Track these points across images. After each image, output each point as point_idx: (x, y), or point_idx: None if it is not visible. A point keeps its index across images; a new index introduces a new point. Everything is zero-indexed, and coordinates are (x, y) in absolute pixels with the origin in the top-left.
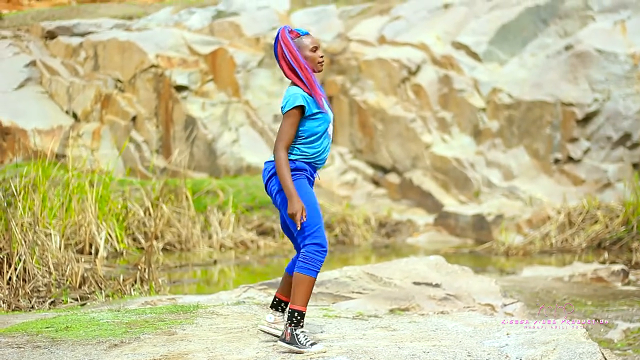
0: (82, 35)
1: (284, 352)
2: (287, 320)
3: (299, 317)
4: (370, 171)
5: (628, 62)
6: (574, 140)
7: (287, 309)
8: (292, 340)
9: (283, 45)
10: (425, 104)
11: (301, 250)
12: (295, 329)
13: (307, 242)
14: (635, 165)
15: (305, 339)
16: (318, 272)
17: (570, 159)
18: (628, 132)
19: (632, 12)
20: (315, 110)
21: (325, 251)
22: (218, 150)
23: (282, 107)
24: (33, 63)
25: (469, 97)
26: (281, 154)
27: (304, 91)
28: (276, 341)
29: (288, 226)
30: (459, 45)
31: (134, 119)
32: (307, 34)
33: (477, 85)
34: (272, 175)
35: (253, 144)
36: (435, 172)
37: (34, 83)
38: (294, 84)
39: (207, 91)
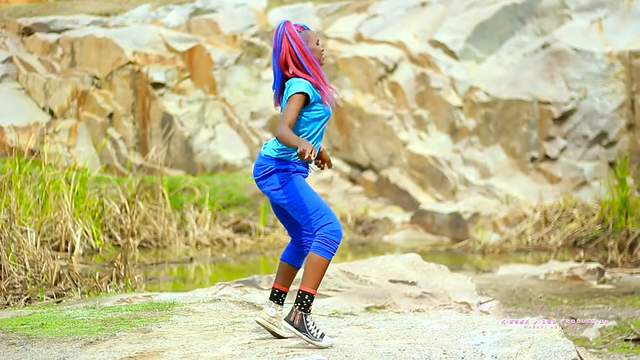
0: (59, 31)
1: (290, 336)
2: (297, 303)
3: (309, 300)
4: (347, 169)
5: (604, 61)
6: (550, 138)
7: (298, 290)
8: (302, 327)
9: (291, 40)
10: (402, 102)
11: (317, 233)
12: (305, 315)
13: (323, 223)
14: (611, 164)
15: (316, 329)
16: (333, 255)
17: (546, 157)
18: (604, 130)
19: (609, 10)
20: (317, 102)
21: (341, 233)
22: (195, 147)
23: (286, 94)
24: (10, 59)
25: (445, 95)
26: (283, 126)
27: (311, 82)
28: (268, 336)
29: (287, 215)
30: (436, 44)
31: (110, 115)
32: (308, 27)
33: (454, 83)
34: (269, 173)
35: (230, 141)
36: (411, 170)
37: (10, 79)
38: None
39: (184, 88)
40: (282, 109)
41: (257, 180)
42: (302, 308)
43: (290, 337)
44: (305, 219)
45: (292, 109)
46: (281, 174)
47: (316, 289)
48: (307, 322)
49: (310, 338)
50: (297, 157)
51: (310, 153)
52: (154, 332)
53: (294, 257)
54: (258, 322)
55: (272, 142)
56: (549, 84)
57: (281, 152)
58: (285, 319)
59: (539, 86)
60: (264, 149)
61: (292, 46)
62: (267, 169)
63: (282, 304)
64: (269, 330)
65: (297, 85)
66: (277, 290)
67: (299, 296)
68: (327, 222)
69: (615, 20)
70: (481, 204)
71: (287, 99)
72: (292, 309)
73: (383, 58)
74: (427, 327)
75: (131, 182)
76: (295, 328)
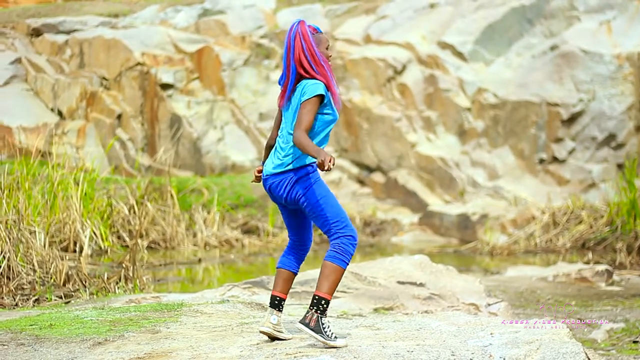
0: (68, 32)
1: (290, 337)
2: (313, 307)
3: (325, 305)
4: (355, 170)
5: (613, 63)
6: (559, 140)
7: (314, 295)
8: (318, 329)
9: (303, 40)
10: (410, 104)
11: (333, 242)
12: (321, 317)
13: (340, 234)
14: (619, 166)
15: (331, 330)
16: (349, 263)
17: (555, 159)
18: (613, 132)
19: (618, 12)
20: (329, 106)
21: (356, 242)
22: (203, 148)
23: (301, 96)
24: (18, 60)
25: (454, 96)
26: (301, 132)
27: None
28: (270, 339)
29: (294, 217)
30: (444, 45)
31: (119, 116)
32: (320, 30)
33: (463, 84)
34: (291, 186)
35: (238, 142)
36: (420, 172)
37: (19, 80)
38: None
39: (192, 89)
40: (289, 107)
41: (279, 196)
42: (319, 311)
43: (290, 339)
44: (325, 226)
45: (309, 113)
46: (302, 180)
47: (332, 295)
48: (322, 323)
49: (325, 339)
50: (315, 164)
51: (330, 162)
52: (162, 332)
53: (292, 264)
54: (263, 332)
55: (280, 154)
56: (557, 85)
57: (294, 160)
58: (300, 322)
59: (548, 88)
60: (275, 166)
61: (303, 46)
62: (287, 182)
63: (281, 311)
64: (273, 337)
65: (315, 87)
66: (277, 298)
67: (315, 301)
68: (346, 234)
69: (624, 22)
70: (489, 206)
71: (301, 101)
72: (308, 312)
73: (391, 59)
74: (435, 328)
75: (140, 183)
76: (311, 329)
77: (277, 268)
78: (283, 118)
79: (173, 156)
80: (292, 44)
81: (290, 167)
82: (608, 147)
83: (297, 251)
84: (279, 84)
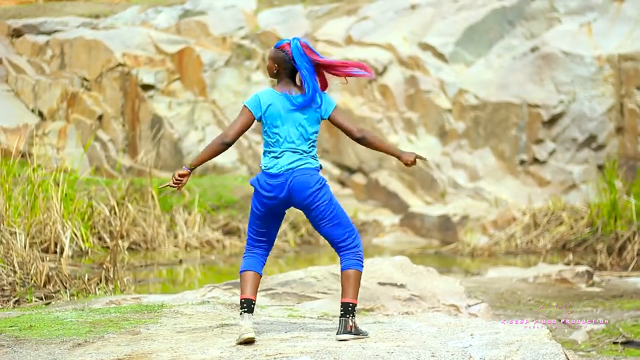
0: (49, 33)
1: (345, 341)
2: (348, 314)
3: (355, 308)
4: (336, 171)
5: (594, 64)
6: (539, 141)
7: (346, 303)
8: (357, 331)
9: (306, 57)
10: (391, 105)
11: (352, 250)
12: (355, 321)
13: (357, 241)
14: (600, 167)
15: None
16: None
17: (535, 160)
18: (593, 133)
19: (598, 14)
20: None
21: None
22: (184, 149)
23: (329, 104)
24: None
25: (435, 98)
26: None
27: None
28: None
29: (273, 223)
30: (425, 46)
31: (100, 117)
32: (310, 46)
33: (444, 86)
34: (323, 184)
35: None
36: (401, 173)
37: None
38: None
39: (173, 90)
40: (298, 116)
41: (299, 195)
42: (354, 316)
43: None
44: (344, 234)
45: None
46: (327, 187)
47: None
48: (359, 325)
49: (364, 335)
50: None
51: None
52: (142, 334)
53: (260, 266)
54: (251, 339)
55: (309, 153)
56: (538, 87)
57: (318, 165)
58: (342, 333)
59: (528, 89)
60: (309, 161)
61: (307, 62)
62: (317, 182)
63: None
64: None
65: (332, 99)
66: (253, 302)
67: (349, 308)
68: (359, 241)
69: (605, 24)
70: (470, 207)
71: (334, 108)
72: (345, 321)
73: (373, 61)
74: (415, 329)
75: (120, 184)
76: (354, 334)
77: (245, 272)
78: (284, 127)
79: (154, 157)
80: (305, 60)
81: (319, 168)
82: (588, 148)
83: (266, 255)
84: (312, 100)
